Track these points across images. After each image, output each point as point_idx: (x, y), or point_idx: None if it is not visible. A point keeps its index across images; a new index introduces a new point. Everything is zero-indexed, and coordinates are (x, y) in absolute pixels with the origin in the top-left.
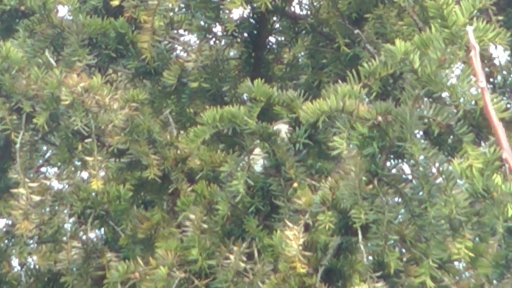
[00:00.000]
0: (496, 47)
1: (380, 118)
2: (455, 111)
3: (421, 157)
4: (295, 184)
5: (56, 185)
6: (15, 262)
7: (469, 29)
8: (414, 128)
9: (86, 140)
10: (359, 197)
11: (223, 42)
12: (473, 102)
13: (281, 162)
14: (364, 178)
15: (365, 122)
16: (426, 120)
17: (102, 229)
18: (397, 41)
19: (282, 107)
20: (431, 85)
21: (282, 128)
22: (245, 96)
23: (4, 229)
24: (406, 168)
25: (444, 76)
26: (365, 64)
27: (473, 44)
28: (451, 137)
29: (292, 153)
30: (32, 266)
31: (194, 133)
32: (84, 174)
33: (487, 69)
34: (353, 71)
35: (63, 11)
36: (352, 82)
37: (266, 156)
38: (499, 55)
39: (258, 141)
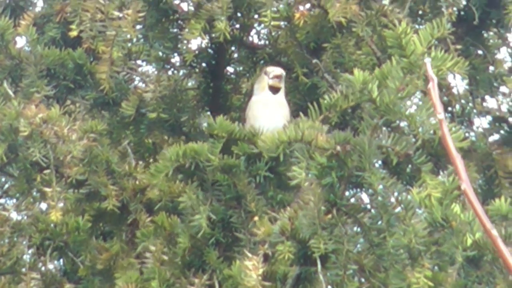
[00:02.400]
0: (454, 76)
1: (338, 148)
2: (413, 140)
3: (380, 186)
4: (256, 218)
5: (14, 216)
6: None
7: (427, 60)
8: (373, 158)
9: (45, 171)
10: (318, 227)
11: (181, 73)
12: (431, 132)
13: (241, 195)
14: (323, 208)
15: (323, 152)
16: (384, 150)
17: (61, 260)
18: (356, 71)
19: (244, 141)
20: (390, 114)
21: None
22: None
23: None
24: (365, 197)
25: (402, 105)
26: (326, 97)
27: (431, 76)
28: (410, 166)
29: (253, 185)
30: None
31: (156, 168)
32: (43, 205)
33: (445, 98)
34: (314, 103)
35: (21, 42)
36: (313, 114)
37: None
38: (457, 84)
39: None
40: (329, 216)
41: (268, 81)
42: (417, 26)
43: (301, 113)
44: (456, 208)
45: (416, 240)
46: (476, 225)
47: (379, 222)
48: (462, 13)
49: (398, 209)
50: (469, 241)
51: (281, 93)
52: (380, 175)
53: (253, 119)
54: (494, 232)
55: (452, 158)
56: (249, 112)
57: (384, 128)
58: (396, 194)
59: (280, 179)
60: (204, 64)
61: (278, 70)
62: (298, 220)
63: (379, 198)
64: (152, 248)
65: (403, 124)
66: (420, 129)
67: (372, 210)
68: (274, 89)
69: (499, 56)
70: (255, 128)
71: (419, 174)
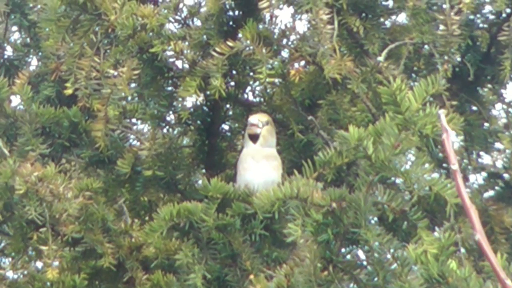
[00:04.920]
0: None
1: (334, 205)
2: (408, 196)
3: (376, 243)
4: (252, 276)
5: (11, 275)
6: None
7: (441, 112)
8: (369, 214)
9: (41, 230)
10: (314, 284)
11: (176, 130)
12: (426, 188)
13: (237, 253)
14: (319, 264)
15: (319, 209)
16: (380, 206)
17: None
18: (351, 128)
19: (238, 201)
20: (385, 171)
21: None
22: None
23: None
24: (360, 254)
25: (397, 162)
26: (320, 154)
27: (445, 127)
28: (405, 222)
29: (248, 243)
30: None
31: (150, 228)
32: (39, 264)
33: (440, 155)
34: (308, 160)
35: (16, 100)
36: (308, 172)
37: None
38: (452, 140)
39: None
40: (325, 273)
41: (247, 130)
42: (412, 83)
43: (295, 171)
44: (453, 264)
45: None
46: (473, 281)
47: (375, 279)
48: (457, 69)
49: (394, 266)
50: None
51: (270, 144)
52: (376, 231)
53: (243, 172)
54: (509, 283)
55: (466, 208)
56: (239, 165)
57: (379, 185)
58: (392, 250)
59: (275, 237)
60: (199, 122)
61: (253, 118)
62: (294, 277)
63: (375, 254)
64: None
65: (398, 180)
66: (415, 186)
67: (368, 267)
68: (253, 137)
69: (494, 112)
70: (247, 182)
71: (414, 230)
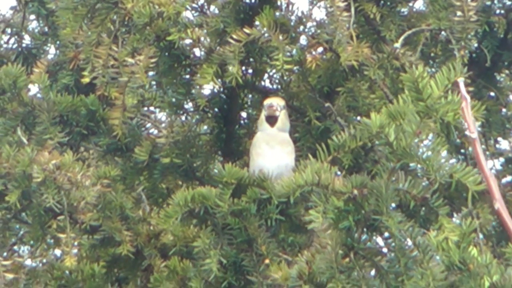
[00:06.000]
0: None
1: (355, 192)
2: (428, 183)
3: (396, 230)
4: (267, 260)
5: (29, 263)
6: None
7: (460, 80)
8: (390, 201)
9: (59, 218)
10: (336, 271)
11: (194, 118)
12: (448, 176)
13: (253, 238)
14: (340, 251)
15: (340, 196)
16: (400, 193)
17: None
18: (372, 115)
19: (254, 187)
20: (407, 158)
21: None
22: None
23: None
24: (380, 241)
25: (419, 149)
26: (334, 138)
27: (464, 95)
28: (424, 209)
29: (263, 228)
30: None
31: (165, 214)
32: (58, 252)
33: (458, 141)
34: (323, 144)
35: (33, 89)
36: (322, 156)
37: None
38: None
39: None
40: (347, 259)
41: (264, 113)
42: (429, 70)
43: (309, 155)
44: (474, 251)
45: (434, 284)
46: (494, 268)
47: (397, 266)
48: (474, 55)
49: (415, 253)
50: (487, 284)
51: (284, 129)
52: (397, 218)
53: (256, 157)
54: None
55: (485, 177)
56: (252, 150)
57: (400, 172)
58: (413, 237)
59: (291, 221)
60: (216, 109)
61: (272, 100)
62: (315, 264)
63: (396, 241)
64: None
65: (416, 166)
66: (437, 173)
67: (388, 254)
68: (271, 119)
69: (511, 98)
70: (260, 167)
71: (434, 217)
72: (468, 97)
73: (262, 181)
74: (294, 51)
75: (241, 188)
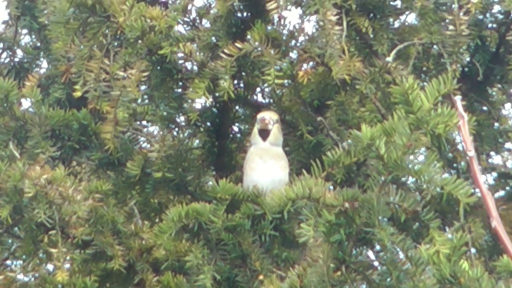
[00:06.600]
0: (459, 133)
1: (347, 205)
2: (420, 196)
3: (389, 243)
4: (261, 277)
5: (21, 277)
6: None
7: (457, 98)
8: (382, 214)
9: (51, 232)
10: (327, 284)
11: (186, 132)
12: (438, 188)
13: (246, 253)
14: (332, 265)
15: (331, 209)
16: (392, 206)
17: None
18: (363, 127)
19: (248, 202)
20: (398, 170)
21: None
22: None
23: None
24: (370, 254)
25: (410, 162)
26: (328, 153)
27: (461, 113)
28: (417, 223)
29: (257, 244)
30: None
31: (159, 229)
32: (50, 266)
33: (450, 155)
34: (317, 160)
35: (26, 103)
36: (316, 172)
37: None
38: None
39: None
40: (339, 273)
41: (257, 126)
42: (421, 83)
43: (303, 171)
44: (465, 264)
45: None
46: (485, 281)
47: (388, 279)
48: (466, 69)
49: (407, 266)
50: None
51: (277, 143)
52: (389, 231)
53: (250, 172)
54: None
55: (482, 195)
56: (246, 164)
57: (391, 185)
58: (405, 250)
59: (285, 237)
60: (208, 123)
61: (265, 114)
62: (307, 278)
63: (388, 254)
64: None
65: (408, 180)
66: (428, 185)
67: (379, 267)
68: (264, 133)
69: (503, 112)
70: (254, 182)
71: (425, 230)
72: (465, 115)
73: (256, 196)
74: (284, 65)
75: (235, 203)
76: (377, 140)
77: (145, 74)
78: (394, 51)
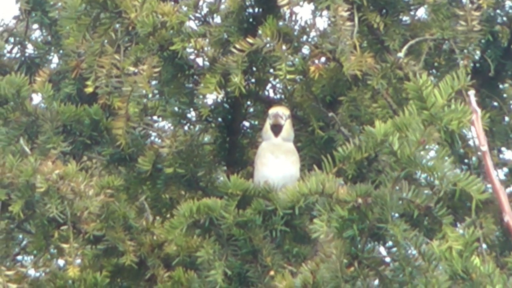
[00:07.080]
0: (470, 128)
1: (360, 201)
2: (431, 192)
3: (402, 239)
4: (272, 272)
5: (32, 273)
6: None
7: (471, 93)
8: (395, 210)
9: (62, 227)
10: (340, 280)
11: (197, 127)
12: (452, 185)
13: (257, 249)
14: (345, 260)
15: (344, 205)
16: (404, 202)
17: None
18: (377, 123)
19: (259, 198)
20: (411, 166)
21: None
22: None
23: None
24: (382, 250)
25: (423, 158)
26: (339, 149)
27: (475, 108)
28: (427, 218)
29: (268, 239)
30: None
31: (170, 224)
32: (61, 262)
33: (462, 151)
34: (328, 155)
35: (37, 99)
36: (327, 167)
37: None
38: (474, 136)
39: None
40: (351, 269)
41: (269, 122)
42: (432, 79)
43: (315, 166)
44: (476, 260)
45: None
46: (496, 277)
47: (401, 275)
48: (477, 65)
49: (419, 262)
50: None
51: (289, 138)
52: (402, 227)
53: (261, 167)
54: None
55: (495, 190)
56: (257, 160)
57: (404, 181)
58: (418, 246)
59: (296, 232)
60: (220, 119)
61: (277, 109)
62: (320, 273)
63: (401, 250)
64: None
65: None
66: (441, 182)
67: (391, 263)
68: (276, 128)
69: None
70: (265, 178)
71: (437, 226)
72: (478, 110)
73: (267, 192)
74: (296, 60)
75: (246, 199)
76: (390, 136)
77: (156, 70)
78: (405, 47)
